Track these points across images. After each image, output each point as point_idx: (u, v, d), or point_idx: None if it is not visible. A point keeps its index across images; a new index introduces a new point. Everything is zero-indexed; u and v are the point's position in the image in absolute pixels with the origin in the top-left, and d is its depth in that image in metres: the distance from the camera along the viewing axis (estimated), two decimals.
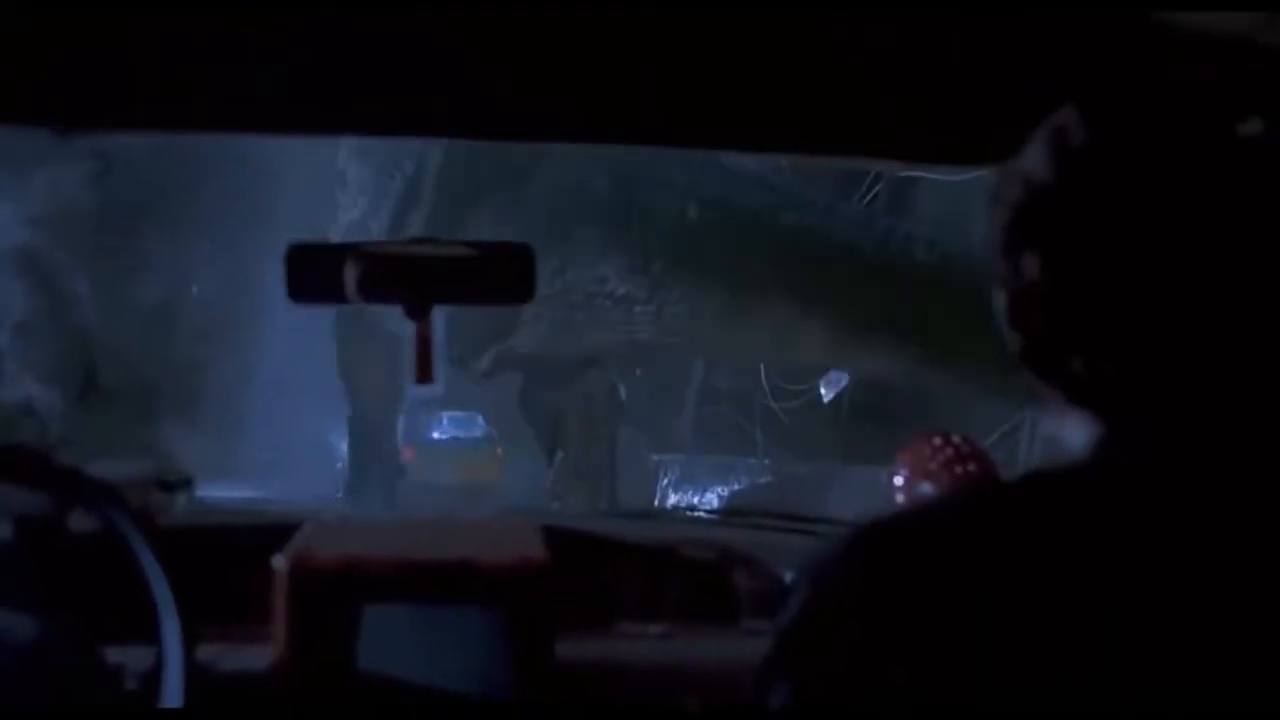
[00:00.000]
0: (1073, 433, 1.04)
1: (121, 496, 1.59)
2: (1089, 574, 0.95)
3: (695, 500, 15.79)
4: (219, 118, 1.61)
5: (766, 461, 16.69)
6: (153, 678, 1.59)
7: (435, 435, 19.58)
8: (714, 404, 18.80)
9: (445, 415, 19.81)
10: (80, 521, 1.77)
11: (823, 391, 15.96)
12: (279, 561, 1.76)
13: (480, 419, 19.63)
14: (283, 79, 1.45)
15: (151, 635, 1.58)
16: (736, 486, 16.15)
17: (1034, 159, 1.05)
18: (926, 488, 2.43)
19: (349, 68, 1.46)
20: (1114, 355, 1.02)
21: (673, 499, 16.47)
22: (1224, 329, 1.00)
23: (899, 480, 2.47)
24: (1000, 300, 1.06)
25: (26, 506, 1.77)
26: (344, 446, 20.18)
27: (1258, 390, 1.00)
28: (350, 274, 1.66)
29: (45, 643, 1.57)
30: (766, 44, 1.38)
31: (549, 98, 1.52)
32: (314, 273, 1.67)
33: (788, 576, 2.09)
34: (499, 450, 19.54)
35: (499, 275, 1.72)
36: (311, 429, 19.92)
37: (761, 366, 17.40)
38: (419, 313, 1.65)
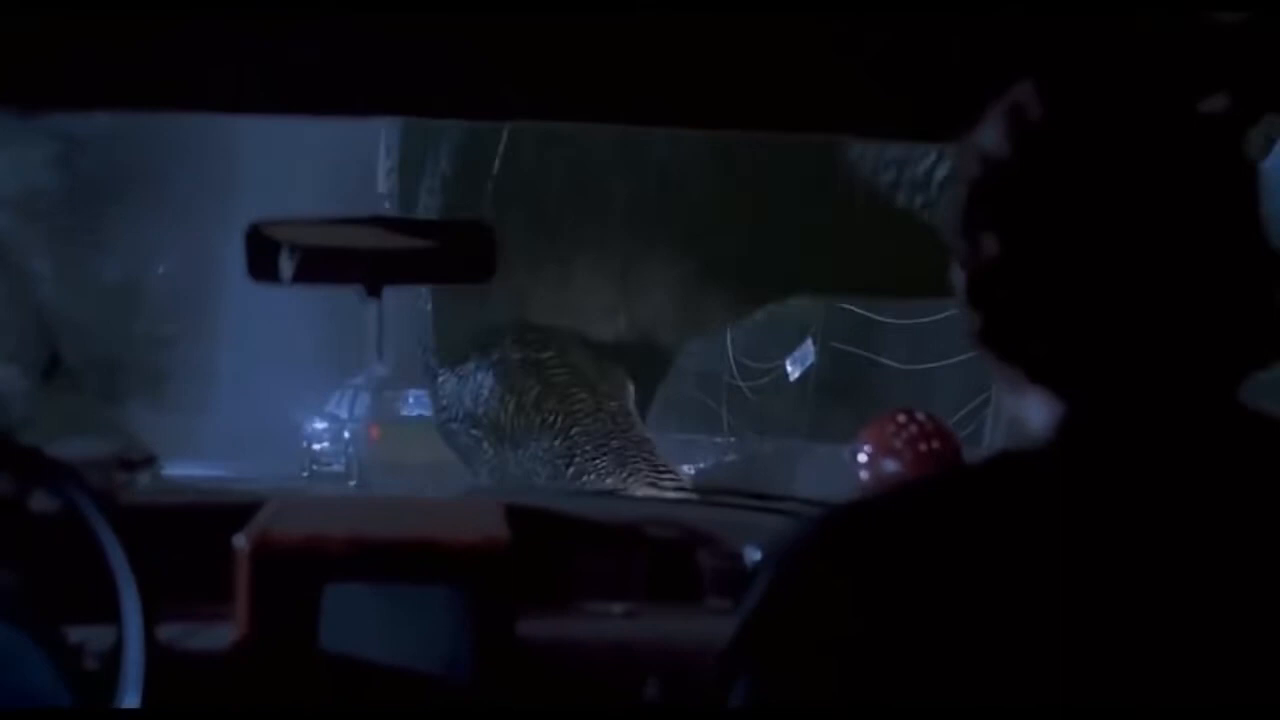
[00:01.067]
0: (1033, 412, 1.03)
1: (82, 476, 1.58)
2: (1059, 556, 0.95)
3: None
4: (186, 97, 1.60)
5: (732, 440, 16.72)
6: (113, 657, 1.58)
7: (402, 413, 19.52)
8: (679, 382, 18.82)
9: (412, 393, 19.78)
10: (41, 502, 1.76)
11: (789, 369, 16.00)
12: (240, 540, 1.76)
13: None
14: (249, 58, 1.44)
15: (112, 614, 1.57)
16: (702, 465, 16.13)
17: (991, 136, 1.03)
18: (890, 465, 2.43)
19: (320, 47, 1.45)
20: (1074, 333, 1.01)
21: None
22: (1185, 305, 0.99)
23: (863, 457, 2.48)
24: (959, 279, 1.05)
25: None
26: (310, 425, 20.14)
27: (1218, 367, 1.00)
28: (309, 253, 1.65)
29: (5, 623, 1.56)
30: (741, 23, 1.38)
31: (519, 77, 1.51)
32: (274, 252, 1.66)
33: (751, 555, 2.09)
34: None
35: (458, 254, 1.72)
36: (278, 408, 19.83)
37: (728, 344, 17.43)
38: (377, 291, 1.64)
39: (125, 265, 17.22)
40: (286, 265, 1.65)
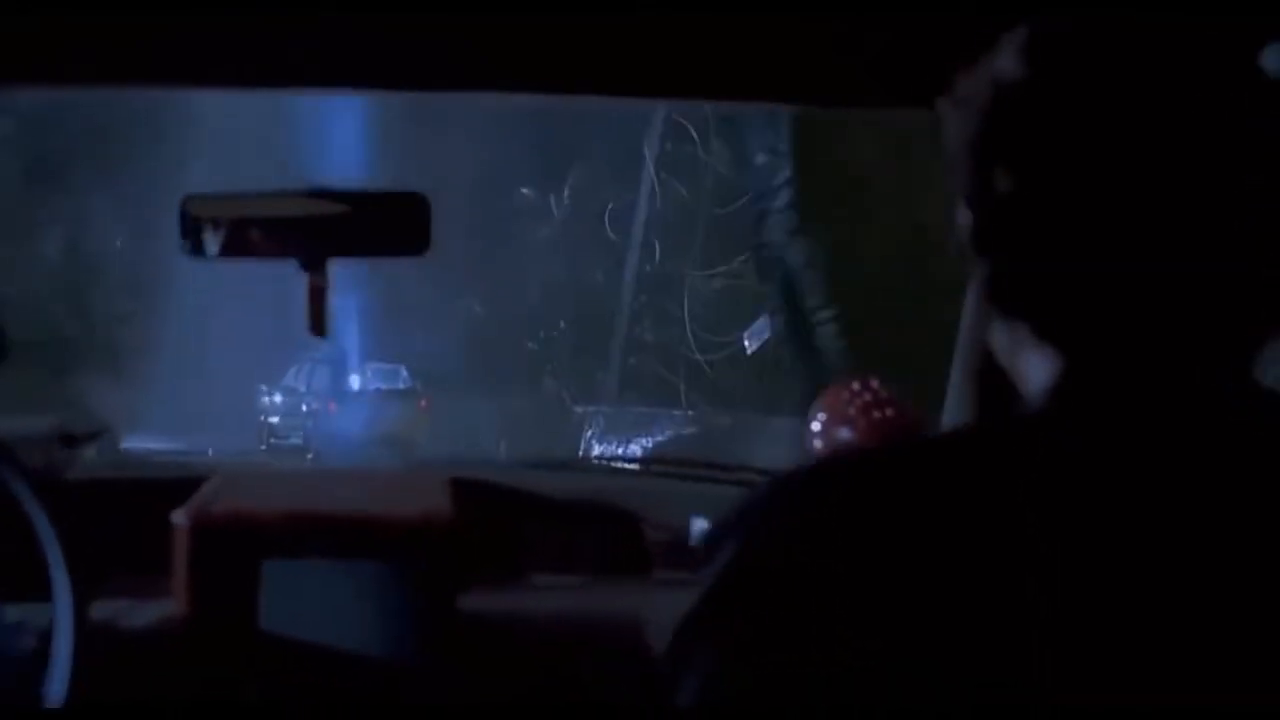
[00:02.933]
0: (1033, 372, 0.93)
1: (12, 452, 1.54)
2: (1054, 528, 0.85)
3: (619, 451, 15.83)
4: (150, 72, 1.56)
5: (691, 413, 16.76)
6: (49, 635, 1.55)
7: (358, 387, 19.52)
8: (638, 355, 18.85)
9: (370, 367, 19.75)
10: None
11: (746, 343, 16.05)
12: (179, 516, 1.72)
13: (404, 371, 19.60)
14: (215, 31, 1.41)
15: (41, 591, 1.54)
16: (661, 438, 16.20)
17: (1010, 60, 0.91)
18: (845, 433, 2.41)
19: (293, 19, 1.41)
20: (1095, 286, 0.89)
21: (597, 450, 16.52)
22: (1216, 258, 0.88)
23: (816, 426, 2.46)
24: (963, 221, 0.94)
25: None
26: (268, 400, 20.07)
27: (1240, 335, 0.90)
28: (243, 227, 1.62)
29: None
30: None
31: (493, 47, 1.49)
32: (208, 226, 1.62)
33: (699, 526, 2.07)
34: (423, 402, 19.47)
35: (394, 226, 1.69)
36: (236, 381, 19.76)
37: (686, 318, 17.46)
38: (314, 265, 1.61)
39: (78, 241, 17.10)
40: (219, 239, 1.62)
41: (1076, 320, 0.90)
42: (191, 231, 1.64)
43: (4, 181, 15.87)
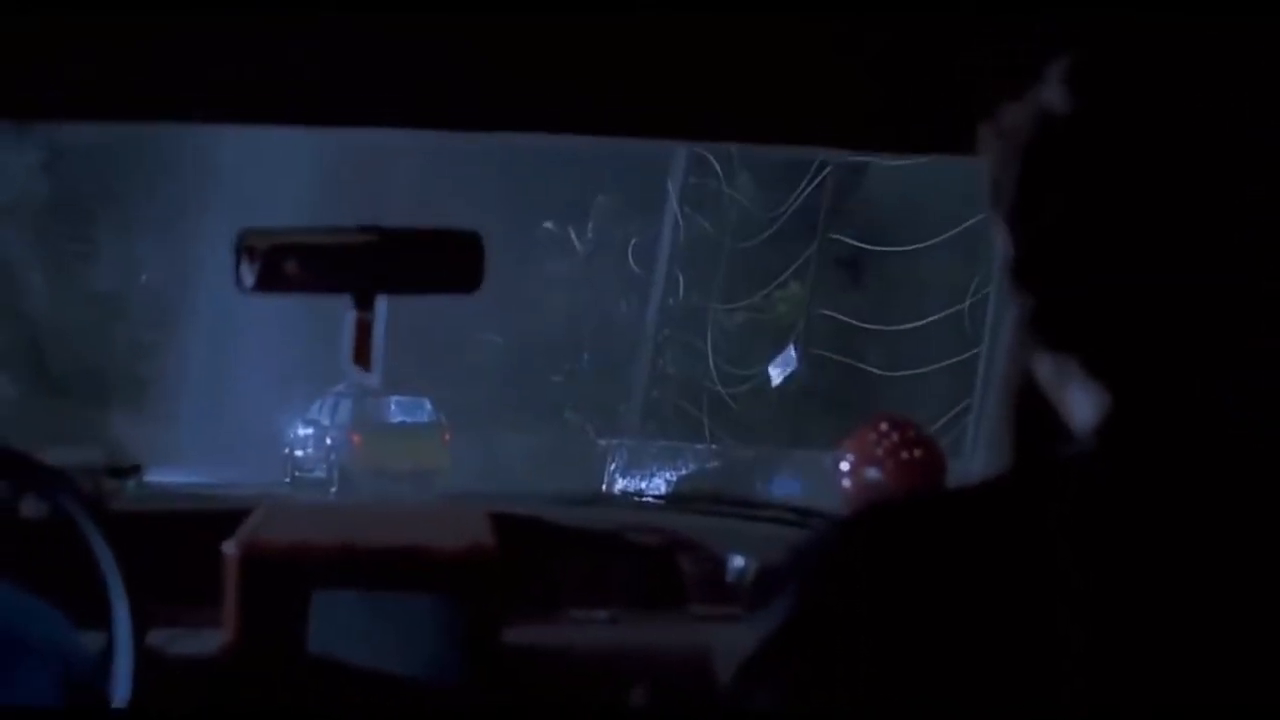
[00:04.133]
0: (1079, 408, 0.92)
1: (74, 482, 1.59)
2: (1107, 566, 0.85)
3: (643, 485, 15.82)
4: (174, 108, 1.60)
5: (714, 446, 16.74)
6: (104, 661, 1.59)
7: (385, 420, 19.51)
8: (661, 388, 18.86)
9: (393, 400, 19.76)
10: (32, 508, 1.77)
11: (771, 375, 16.04)
12: (229, 547, 1.77)
13: (428, 404, 19.52)
14: (238, 68, 1.45)
15: (103, 620, 1.59)
16: (684, 471, 16.18)
17: (1056, 91, 0.90)
18: (873, 473, 2.45)
19: (310, 58, 1.45)
20: (1145, 320, 0.88)
21: (620, 484, 16.50)
22: (1269, 292, 0.86)
23: (845, 465, 2.50)
24: (1007, 253, 0.92)
25: None
26: (292, 432, 20.10)
27: None
28: (298, 263, 1.66)
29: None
30: (743, 38, 1.39)
31: (526, 89, 1.51)
32: (262, 261, 1.67)
33: (735, 562, 2.11)
34: (446, 435, 19.45)
35: (447, 264, 1.73)
36: (260, 415, 19.81)
37: (709, 351, 17.46)
38: (366, 302, 1.65)
39: (109, 274, 17.24)
40: (272, 273, 1.66)
41: (1126, 354, 0.89)
42: (245, 265, 1.68)
43: (32, 211, 16.02)
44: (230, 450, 18.05)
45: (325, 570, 1.76)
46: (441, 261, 1.73)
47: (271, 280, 1.67)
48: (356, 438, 19.05)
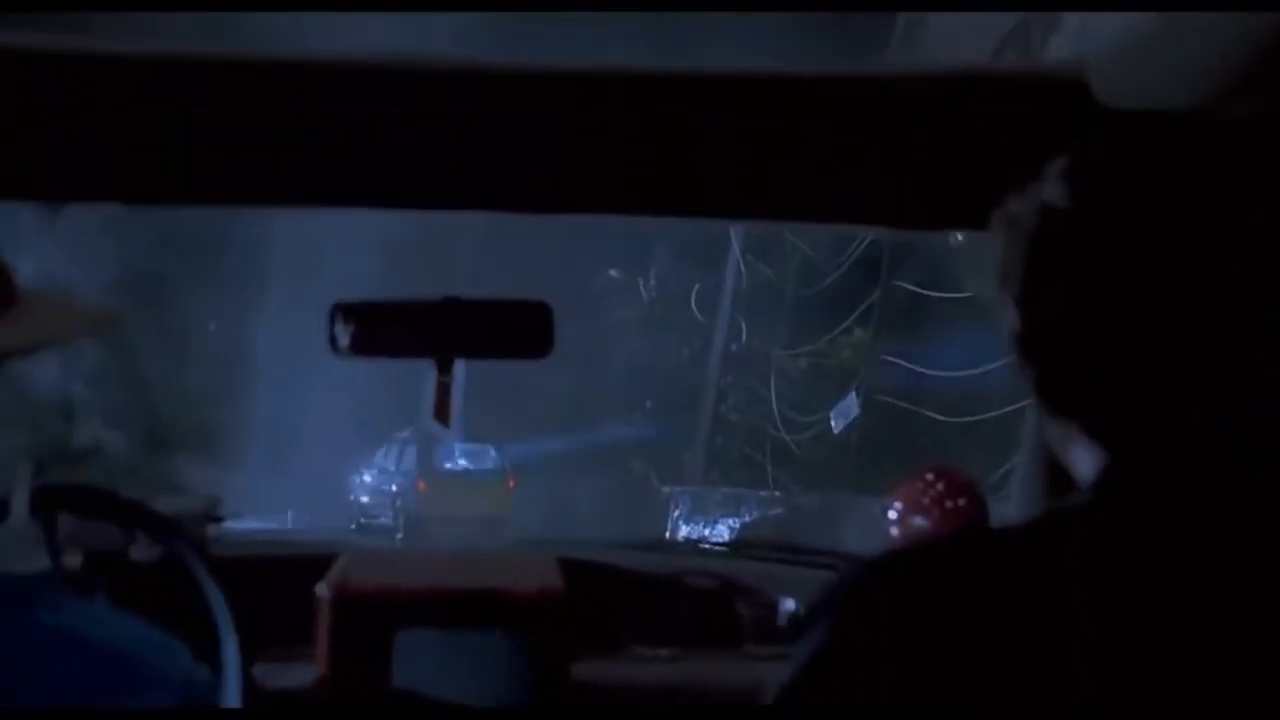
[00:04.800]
0: (1081, 466, 1.05)
1: (186, 529, 1.76)
2: (1104, 609, 0.97)
3: (706, 531, 15.82)
4: (251, 192, 1.72)
5: (777, 493, 16.69)
6: (210, 695, 1.73)
7: (448, 466, 19.59)
8: (724, 435, 18.87)
9: (458, 446, 19.84)
10: (142, 551, 1.93)
11: (833, 422, 16.01)
12: (322, 589, 1.92)
13: (492, 451, 19.56)
14: (330, 157, 1.58)
15: (208, 655, 1.73)
16: (747, 518, 16.15)
17: (1055, 188, 1.04)
18: (919, 521, 2.56)
19: (374, 145, 1.57)
20: (1133, 389, 1.00)
21: (684, 530, 16.50)
22: (1242, 366, 0.99)
23: (893, 514, 2.60)
24: (1014, 330, 1.06)
25: (93, 539, 1.93)
26: (357, 479, 20.27)
27: (1269, 430, 1.01)
28: (386, 330, 1.82)
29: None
30: (762, 126, 1.51)
31: (554, 171, 1.60)
32: (353, 328, 1.82)
33: (786, 606, 2.25)
34: (511, 482, 19.53)
35: (520, 332, 1.88)
36: (327, 465, 19.95)
37: (772, 398, 17.45)
38: (446, 366, 1.80)
39: (172, 321, 17.63)
40: (361, 340, 1.82)
41: (1116, 419, 1.02)
42: (339, 331, 1.84)
43: (102, 261, 16.44)
44: (294, 497, 18.26)
45: (407, 611, 1.91)
46: (515, 329, 1.88)
47: (362, 345, 1.82)
48: (422, 484, 19.13)
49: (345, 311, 1.82)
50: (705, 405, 18.97)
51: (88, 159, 1.53)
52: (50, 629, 1.12)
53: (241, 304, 18.25)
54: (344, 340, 1.81)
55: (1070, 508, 1.04)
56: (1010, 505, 1.91)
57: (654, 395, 20.76)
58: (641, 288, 21.02)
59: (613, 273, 20.94)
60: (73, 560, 1.93)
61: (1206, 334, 0.99)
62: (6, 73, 1.39)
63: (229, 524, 2.45)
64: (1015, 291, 1.06)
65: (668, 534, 15.81)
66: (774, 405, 17.53)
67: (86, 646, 1.14)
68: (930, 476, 2.64)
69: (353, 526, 18.90)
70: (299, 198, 1.65)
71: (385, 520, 19.13)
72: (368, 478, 20.23)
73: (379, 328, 1.83)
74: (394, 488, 19.52)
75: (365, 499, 20.07)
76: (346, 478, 20.32)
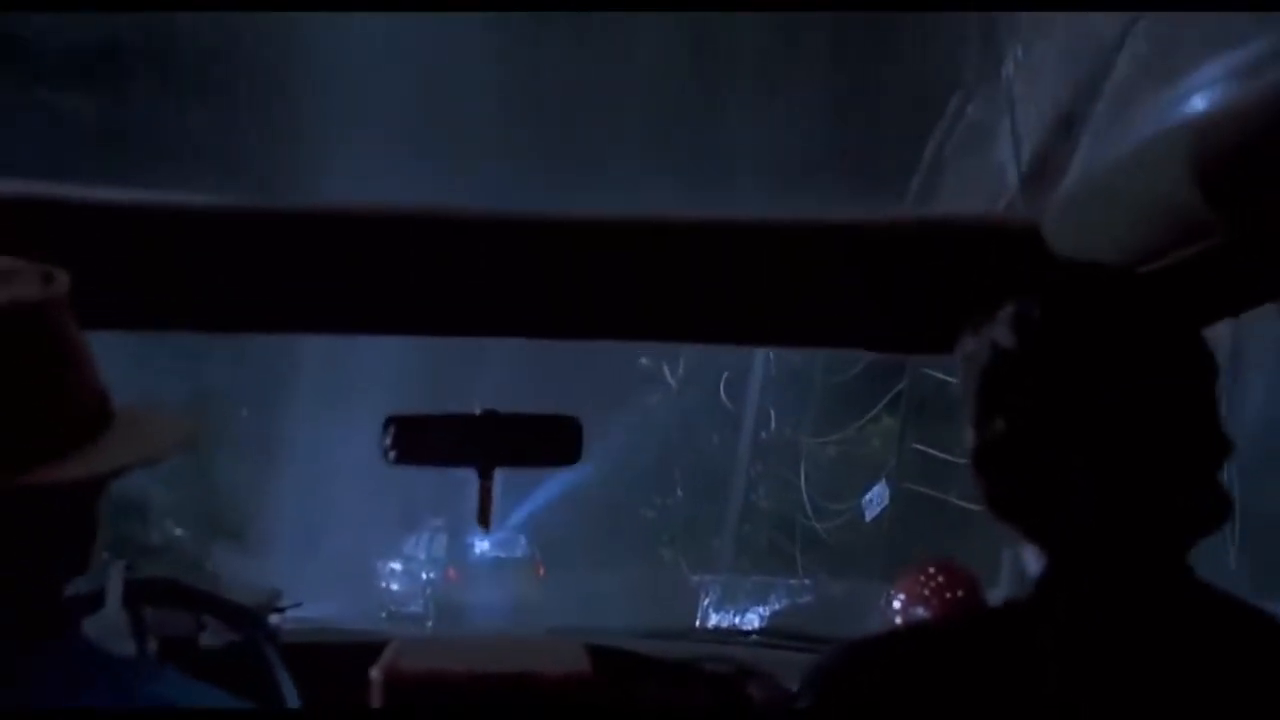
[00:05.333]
0: (1029, 562, 1.26)
1: (260, 620, 1.95)
2: (1035, 695, 1.18)
3: (736, 620, 15.80)
4: (311, 322, 1.90)
5: (807, 581, 16.67)
6: None
7: (478, 553, 19.66)
8: (754, 522, 18.85)
9: (488, 534, 19.77)
10: (211, 638, 2.12)
11: (864, 510, 16.00)
12: (375, 673, 2.11)
13: (523, 538, 19.59)
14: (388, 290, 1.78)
15: None
16: (777, 606, 16.12)
17: (1002, 333, 1.25)
18: (920, 611, 2.74)
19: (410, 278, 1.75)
20: (1062, 500, 1.22)
21: (714, 619, 16.46)
22: (1154, 481, 1.21)
23: (896, 605, 2.79)
24: (970, 448, 1.27)
25: (168, 627, 2.13)
26: (386, 567, 20.37)
27: (1174, 534, 1.23)
28: (432, 442, 2.02)
29: None
30: (765, 266, 1.71)
31: (561, 300, 1.80)
32: (403, 440, 2.03)
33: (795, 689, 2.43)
34: (541, 569, 19.56)
35: (552, 442, 2.08)
36: (356, 554, 19.96)
37: (802, 485, 17.44)
38: (486, 473, 2.01)
39: (205, 407, 18.01)
40: (414, 450, 2.02)
41: (1050, 526, 1.24)
42: (390, 441, 2.04)
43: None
44: (325, 585, 18.35)
45: (450, 694, 2.09)
46: (547, 441, 2.07)
47: (411, 455, 2.03)
48: (452, 572, 19.22)
49: (396, 424, 2.03)
50: (735, 493, 18.96)
51: (173, 293, 1.74)
52: (150, 696, 1.24)
53: (272, 391, 18.48)
54: (395, 451, 2.02)
55: (1015, 602, 1.25)
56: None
57: (684, 483, 20.76)
58: (670, 375, 21.09)
59: (643, 360, 21.03)
60: (149, 646, 2.12)
61: (1126, 459, 1.21)
62: (105, 225, 1.61)
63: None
64: (969, 415, 1.28)
65: (698, 622, 15.79)
66: (804, 493, 17.55)
67: (184, 712, 1.28)
68: (931, 570, 2.82)
69: (383, 615, 18.89)
70: (352, 326, 1.86)
71: (415, 609, 19.15)
72: (397, 566, 20.25)
73: (426, 440, 2.03)
74: (424, 576, 19.57)
75: (395, 587, 20.07)
76: (375, 566, 20.33)
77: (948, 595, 2.76)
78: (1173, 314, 1.26)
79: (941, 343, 1.57)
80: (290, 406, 18.43)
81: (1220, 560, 7.96)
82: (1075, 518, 1.23)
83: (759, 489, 19.04)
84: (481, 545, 19.62)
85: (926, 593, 2.77)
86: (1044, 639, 1.21)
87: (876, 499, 15.75)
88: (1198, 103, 1.31)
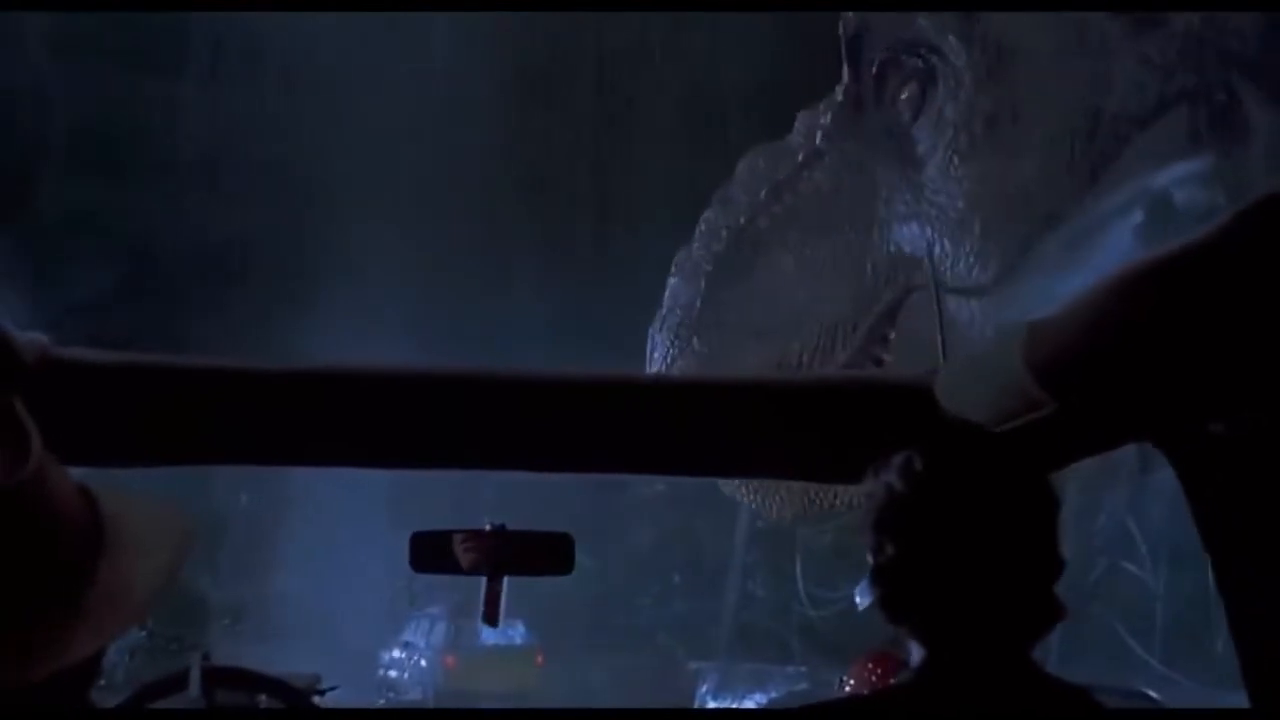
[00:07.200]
0: (914, 655, 1.63)
1: (305, 697, 2.31)
2: None
3: (733, 707, 15.82)
4: (335, 457, 2.17)
5: (803, 669, 16.72)
6: None
7: (478, 642, 19.19)
8: (750, 611, 18.86)
9: None
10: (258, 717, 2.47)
11: (857, 599, 16.09)
12: None
13: (521, 626, 19.42)
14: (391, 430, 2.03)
15: None
16: (774, 694, 16.15)
17: (894, 476, 1.61)
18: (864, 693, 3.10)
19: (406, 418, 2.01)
20: (935, 608, 1.59)
21: (711, 706, 16.49)
22: (1005, 594, 1.58)
23: (847, 689, 3.13)
24: (870, 565, 1.63)
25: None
26: (387, 654, 20.21)
27: (1022, 634, 1.60)
28: (450, 554, 2.40)
29: None
30: (714, 417, 2.00)
31: (542, 442, 2.06)
32: (428, 552, 2.41)
33: None
34: (539, 658, 19.53)
35: (549, 554, 2.45)
36: (355, 640, 19.92)
37: (798, 573, 17.46)
38: (495, 579, 2.39)
39: (204, 493, 18.24)
40: (434, 561, 2.40)
41: (929, 630, 1.62)
42: (415, 554, 2.42)
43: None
44: (322, 671, 18.33)
45: None
46: (546, 553, 2.45)
47: (431, 565, 2.40)
48: (450, 660, 19.20)
49: (420, 539, 2.41)
50: (731, 581, 19.04)
51: (223, 434, 2.02)
52: None
53: (272, 480, 18.72)
54: (419, 562, 2.40)
55: (901, 689, 1.64)
56: None
57: (679, 570, 20.73)
58: None
59: None
60: None
61: (983, 579, 1.61)
62: (152, 383, 1.93)
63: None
64: (868, 541, 1.66)
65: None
66: (799, 581, 17.64)
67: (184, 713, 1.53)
68: (876, 658, 3.18)
69: (381, 702, 18.72)
70: (374, 461, 2.18)
71: (414, 696, 19.10)
72: (396, 653, 20.24)
73: (445, 552, 2.41)
74: (423, 663, 19.55)
75: (393, 674, 20.03)
76: (374, 652, 20.26)
77: (892, 681, 3.12)
78: (1021, 465, 1.64)
79: (858, 474, 1.94)
80: (286, 489, 18.62)
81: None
82: (944, 622, 1.61)
83: (755, 577, 19.08)
84: (482, 632, 19.45)
85: (874, 680, 3.12)
86: (921, 711, 1.60)
87: (868, 589, 15.83)
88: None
